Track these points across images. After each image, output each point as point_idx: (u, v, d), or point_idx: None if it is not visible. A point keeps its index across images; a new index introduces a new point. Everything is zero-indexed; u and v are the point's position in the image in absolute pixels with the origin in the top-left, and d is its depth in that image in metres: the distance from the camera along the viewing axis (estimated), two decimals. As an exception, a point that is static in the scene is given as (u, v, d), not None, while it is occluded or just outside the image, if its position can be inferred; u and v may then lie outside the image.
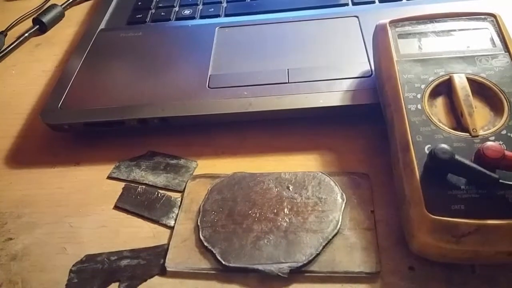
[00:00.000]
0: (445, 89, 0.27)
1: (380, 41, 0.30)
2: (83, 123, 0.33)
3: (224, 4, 0.44)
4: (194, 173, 0.31)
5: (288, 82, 0.33)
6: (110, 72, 0.37)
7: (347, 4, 0.41)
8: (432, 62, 0.28)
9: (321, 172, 0.30)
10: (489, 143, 0.23)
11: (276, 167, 0.31)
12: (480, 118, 0.26)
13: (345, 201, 0.28)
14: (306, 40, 0.37)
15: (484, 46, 0.29)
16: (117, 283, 0.26)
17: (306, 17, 0.40)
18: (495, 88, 0.26)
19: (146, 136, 0.34)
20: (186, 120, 0.33)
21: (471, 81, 0.27)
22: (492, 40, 0.29)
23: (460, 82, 0.27)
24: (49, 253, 0.28)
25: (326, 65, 0.34)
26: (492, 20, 0.30)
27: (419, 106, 0.26)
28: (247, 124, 0.33)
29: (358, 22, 0.38)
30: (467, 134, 0.25)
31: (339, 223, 0.27)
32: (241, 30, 0.39)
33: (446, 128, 0.25)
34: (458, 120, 0.26)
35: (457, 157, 0.22)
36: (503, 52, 0.28)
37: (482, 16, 0.30)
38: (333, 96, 0.32)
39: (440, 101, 0.27)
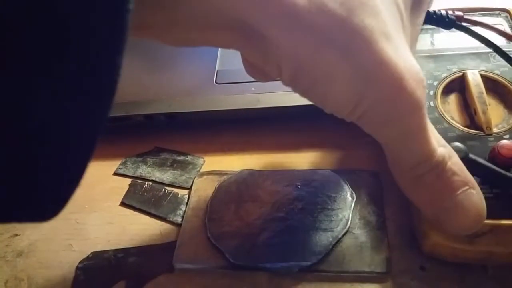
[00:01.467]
0: (458, 86, 0.27)
1: None
2: (89, 119, 0.33)
3: None
4: (201, 170, 0.31)
5: (297, 78, 0.33)
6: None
7: None
8: (444, 58, 0.28)
9: (330, 170, 0.29)
10: (504, 141, 0.22)
11: (284, 165, 0.30)
12: (494, 115, 0.25)
13: (355, 199, 0.27)
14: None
15: (498, 42, 0.28)
16: (123, 281, 0.25)
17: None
18: (510, 86, 0.26)
19: (152, 132, 0.34)
20: (193, 116, 0.32)
21: (485, 78, 0.26)
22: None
23: (474, 79, 0.26)
24: (55, 250, 0.27)
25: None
26: (506, 16, 0.29)
27: (431, 103, 0.26)
28: (255, 120, 0.33)
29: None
30: (481, 132, 0.24)
31: (349, 222, 0.26)
32: (248, 25, 0.39)
33: (460, 126, 0.25)
34: (471, 117, 0.25)
35: (471, 155, 0.22)
36: None
37: (496, 12, 0.30)
38: (343, 92, 0.31)
39: (453, 98, 0.27)
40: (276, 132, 0.33)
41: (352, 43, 0.16)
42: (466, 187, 0.19)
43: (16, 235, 0.29)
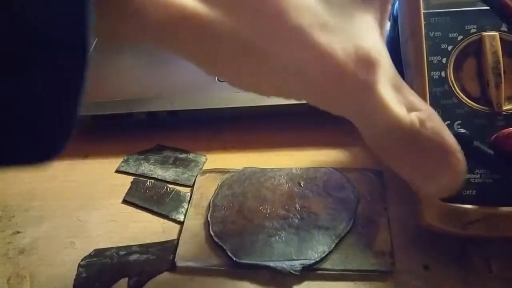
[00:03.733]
0: (474, 49, 0.25)
1: None
2: (91, 116, 0.33)
3: None
4: (204, 168, 0.31)
5: (300, 76, 0.33)
6: (118, 64, 0.37)
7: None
8: (462, 16, 0.25)
9: (333, 168, 0.29)
10: (510, 129, 0.22)
11: (287, 163, 0.30)
12: (508, 86, 0.24)
13: (358, 198, 0.27)
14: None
15: None
16: (126, 279, 0.25)
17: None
18: None
19: (154, 129, 0.34)
20: (195, 113, 0.32)
21: (504, 42, 0.24)
22: None
23: (492, 45, 0.24)
24: (58, 247, 0.27)
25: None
26: None
27: (442, 74, 0.24)
28: (258, 118, 0.33)
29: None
30: (491, 108, 0.24)
31: (352, 220, 0.26)
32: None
33: (469, 101, 0.24)
34: (483, 88, 0.24)
35: (475, 143, 0.22)
36: None
37: None
38: (346, 90, 0.31)
39: (467, 64, 0.25)
40: (279, 130, 0.33)
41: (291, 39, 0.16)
42: (442, 152, 0.19)
43: (18, 232, 0.28)
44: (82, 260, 0.26)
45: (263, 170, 0.30)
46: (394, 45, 0.30)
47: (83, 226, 0.28)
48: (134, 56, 0.37)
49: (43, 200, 0.30)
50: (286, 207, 0.27)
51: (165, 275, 0.25)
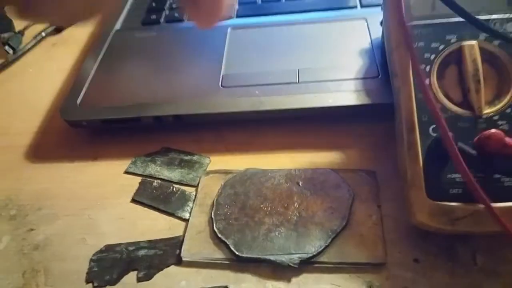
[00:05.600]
0: (455, 58, 0.26)
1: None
2: (100, 120, 0.34)
3: (236, 6, 0.45)
4: (208, 169, 0.32)
5: (298, 82, 0.34)
6: (126, 71, 0.38)
7: (355, 7, 0.42)
8: (444, 27, 0.27)
9: (330, 169, 0.31)
10: (491, 131, 0.23)
11: (286, 164, 0.32)
12: (488, 91, 0.25)
13: (352, 196, 0.29)
14: (316, 41, 0.38)
15: (500, 6, 0.27)
16: (135, 272, 0.27)
17: (315, 19, 0.41)
18: (505, 59, 0.26)
19: (160, 132, 0.35)
20: (199, 117, 0.34)
21: (482, 50, 0.26)
22: None
23: (471, 54, 0.26)
24: (70, 243, 0.29)
25: (335, 66, 0.35)
26: None
27: (427, 81, 0.26)
28: (258, 122, 0.35)
29: (366, 24, 0.39)
30: (472, 112, 0.25)
31: (347, 217, 0.28)
32: (252, 31, 0.41)
33: (452, 106, 0.25)
34: (465, 93, 0.26)
35: (459, 144, 0.24)
36: None
37: None
38: (342, 96, 0.33)
39: (449, 71, 0.27)
40: (278, 133, 0.34)
41: None
42: None
43: (32, 229, 0.30)
44: (93, 255, 0.28)
45: (263, 171, 0.31)
46: (384, 52, 0.32)
47: (93, 223, 0.30)
48: (141, 64, 0.39)
49: (55, 199, 0.32)
50: (286, 205, 0.29)
51: (172, 268, 0.27)
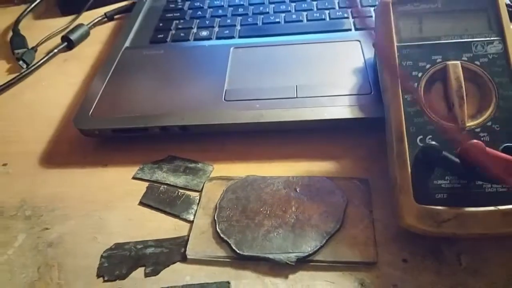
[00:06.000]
0: (441, 76, 0.29)
1: (382, 23, 0.31)
2: (111, 129, 0.37)
3: (238, 27, 0.48)
4: (211, 176, 0.35)
5: (296, 97, 0.37)
6: (135, 85, 0.41)
7: (350, 29, 0.45)
8: (431, 48, 0.30)
9: (326, 177, 0.33)
10: (472, 141, 0.25)
11: (284, 172, 0.34)
12: (470, 106, 0.28)
13: (346, 202, 0.31)
14: (313, 60, 0.41)
15: (482, 30, 0.30)
16: (143, 268, 0.29)
17: (313, 40, 0.44)
18: (486, 77, 0.28)
19: (166, 142, 0.38)
20: (203, 128, 0.36)
21: (465, 69, 0.28)
22: (489, 23, 0.30)
23: (455, 72, 0.28)
24: (82, 242, 0.31)
25: (331, 82, 0.38)
26: (492, 1, 0.30)
27: (415, 96, 0.29)
28: (259, 133, 0.37)
29: (360, 45, 0.42)
30: (456, 125, 0.27)
31: (341, 221, 0.30)
32: (253, 50, 0.43)
33: (438, 119, 0.28)
34: (449, 108, 0.28)
35: (444, 153, 0.26)
36: (499, 38, 0.29)
37: None
38: (336, 110, 0.35)
39: (435, 88, 0.29)
40: (277, 143, 0.37)
41: None
42: None
43: (46, 228, 0.32)
44: (104, 252, 0.30)
45: (263, 177, 0.33)
46: (377, 70, 0.35)
47: (104, 224, 0.32)
48: (149, 79, 0.42)
49: (68, 201, 0.34)
50: (284, 208, 0.31)
51: (177, 265, 0.29)
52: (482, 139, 0.27)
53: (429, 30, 0.31)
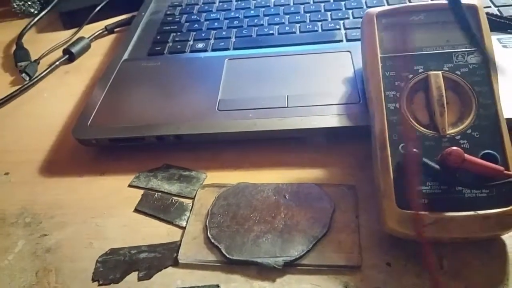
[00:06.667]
0: (423, 86, 0.30)
1: (367, 34, 0.33)
2: (108, 139, 0.38)
3: (233, 39, 0.49)
4: (204, 183, 0.36)
5: (287, 107, 0.38)
6: (133, 96, 0.42)
7: (341, 41, 0.46)
8: (413, 58, 0.31)
9: (314, 184, 0.34)
10: (452, 148, 0.26)
11: (275, 179, 0.35)
12: (451, 114, 0.29)
13: (333, 207, 0.32)
14: (304, 71, 0.42)
15: (463, 40, 0.31)
16: (136, 272, 0.30)
17: (304, 51, 0.45)
18: (467, 87, 0.29)
19: (162, 151, 0.39)
20: (198, 137, 0.37)
21: (446, 79, 0.30)
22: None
23: (436, 82, 0.30)
24: (78, 247, 0.32)
25: (321, 92, 0.39)
26: (473, 12, 0.31)
27: (397, 105, 0.30)
28: (251, 142, 0.38)
29: (350, 56, 0.43)
30: (437, 132, 0.29)
31: (328, 226, 0.31)
32: (247, 61, 0.45)
33: (420, 127, 0.29)
34: (431, 116, 0.29)
35: (425, 160, 0.27)
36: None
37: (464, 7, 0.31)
38: (326, 119, 0.36)
39: (417, 98, 0.30)
40: (269, 151, 0.38)
41: None
42: None
43: (45, 235, 0.33)
44: (99, 257, 0.31)
45: (254, 184, 0.35)
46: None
47: (100, 230, 0.33)
48: (146, 90, 0.43)
49: (66, 209, 0.35)
50: (273, 215, 0.32)
51: (169, 269, 0.30)
52: (462, 146, 0.28)
53: (412, 42, 0.32)
